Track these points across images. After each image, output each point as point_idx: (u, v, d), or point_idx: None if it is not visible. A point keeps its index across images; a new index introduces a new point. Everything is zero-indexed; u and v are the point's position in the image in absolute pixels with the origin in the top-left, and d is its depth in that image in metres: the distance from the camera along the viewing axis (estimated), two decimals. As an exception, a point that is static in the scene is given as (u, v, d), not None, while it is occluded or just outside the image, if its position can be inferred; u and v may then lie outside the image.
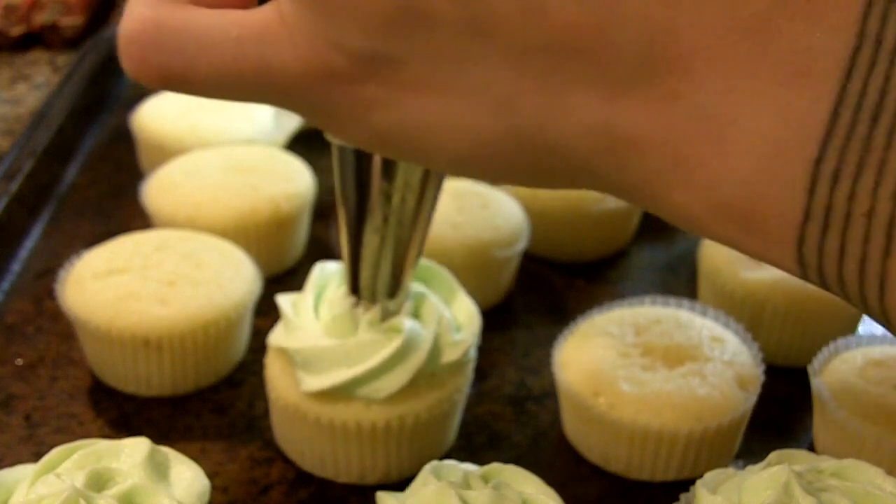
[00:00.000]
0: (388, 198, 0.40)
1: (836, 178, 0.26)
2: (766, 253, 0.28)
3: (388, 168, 0.39)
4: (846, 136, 0.25)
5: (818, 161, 0.26)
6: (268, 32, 0.30)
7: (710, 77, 0.27)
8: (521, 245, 0.60)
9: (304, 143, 0.73)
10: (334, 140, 0.38)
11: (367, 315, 0.45)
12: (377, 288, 0.44)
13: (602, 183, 0.31)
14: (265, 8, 0.31)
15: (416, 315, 0.47)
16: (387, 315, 0.45)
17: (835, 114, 0.26)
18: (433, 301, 0.47)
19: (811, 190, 0.26)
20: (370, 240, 0.42)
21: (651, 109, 0.28)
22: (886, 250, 0.26)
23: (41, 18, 0.92)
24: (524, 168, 0.31)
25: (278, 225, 0.61)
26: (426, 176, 0.40)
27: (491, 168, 0.32)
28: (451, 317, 0.48)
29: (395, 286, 0.44)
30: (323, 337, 0.46)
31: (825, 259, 0.27)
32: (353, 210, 0.41)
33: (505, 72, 0.29)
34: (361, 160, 0.39)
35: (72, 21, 0.93)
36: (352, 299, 0.45)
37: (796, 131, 0.26)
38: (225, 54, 0.30)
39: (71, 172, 0.74)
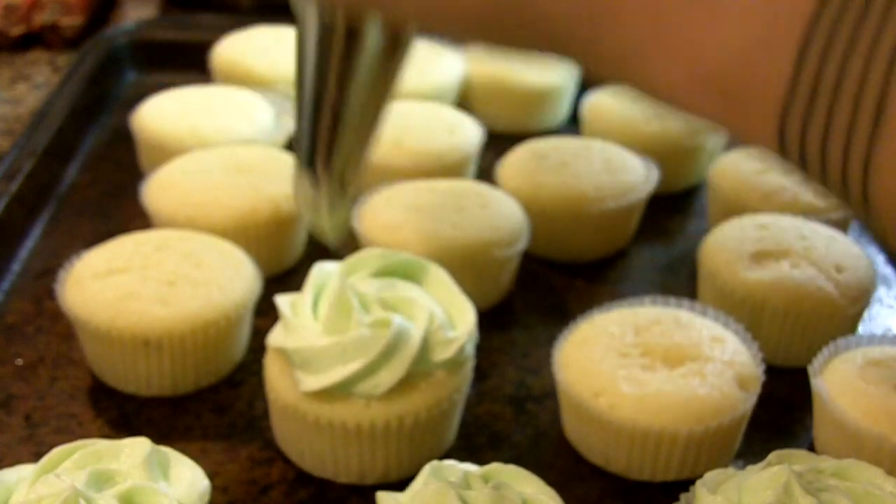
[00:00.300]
0: (351, 69, 0.39)
1: (826, 49, 0.25)
2: (746, 128, 0.28)
3: (352, 40, 0.38)
4: (841, 6, 0.25)
5: (809, 29, 0.25)
6: None
7: None
8: (521, 245, 0.60)
9: (304, 143, 0.73)
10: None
11: (322, 198, 0.43)
12: (335, 163, 0.42)
13: (580, 51, 0.30)
14: None
15: (405, 311, 0.47)
16: (338, 205, 0.43)
17: None
18: (422, 297, 0.47)
19: (799, 61, 0.26)
20: (331, 112, 0.40)
21: None
22: (874, 127, 0.25)
23: (41, 18, 0.92)
24: (508, 25, 0.31)
25: (278, 225, 0.61)
26: (392, 47, 0.39)
27: (467, 19, 0.31)
28: (444, 314, 0.48)
29: (353, 162, 0.43)
30: (320, 336, 0.46)
31: (807, 140, 0.26)
32: (317, 82, 0.40)
33: None
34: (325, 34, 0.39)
35: (72, 21, 0.93)
36: (308, 176, 0.43)
37: (790, 1, 0.25)
38: None
39: (71, 172, 0.74)
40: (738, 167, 0.67)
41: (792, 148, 0.27)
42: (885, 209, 0.26)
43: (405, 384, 0.46)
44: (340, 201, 0.43)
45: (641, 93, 0.29)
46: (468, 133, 0.72)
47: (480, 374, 0.53)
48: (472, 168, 0.72)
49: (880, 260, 0.67)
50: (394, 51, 0.39)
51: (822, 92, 0.26)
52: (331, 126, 0.41)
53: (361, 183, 0.44)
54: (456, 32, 0.34)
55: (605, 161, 0.66)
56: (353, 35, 0.38)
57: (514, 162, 0.67)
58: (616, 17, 0.28)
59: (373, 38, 0.38)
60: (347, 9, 0.35)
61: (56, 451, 0.38)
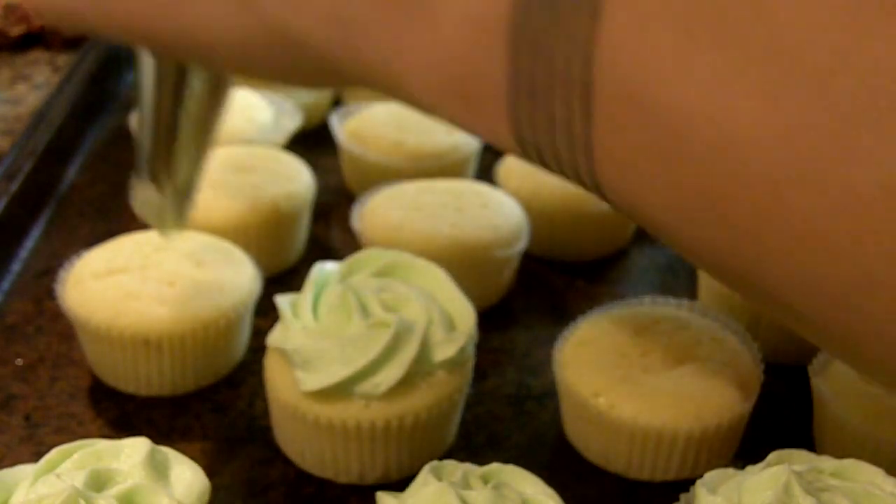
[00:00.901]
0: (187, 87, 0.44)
1: (534, 46, 0.26)
2: (489, 132, 0.29)
3: (181, 73, 0.43)
4: (538, 2, 0.26)
5: (515, 27, 0.26)
6: None
7: None
8: (521, 245, 0.60)
9: (304, 143, 0.73)
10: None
11: (164, 204, 0.47)
12: (173, 174, 0.46)
13: (349, 73, 0.32)
14: None
15: (405, 311, 0.47)
16: (177, 208, 0.47)
17: None
18: (422, 297, 0.47)
19: (514, 59, 0.27)
20: (181, 126, 0.45)
21: None
22: (587, 114, 0.26)
23: (41, 19, 0.92)
24: (281, 64, 0.34)
25: (278, 225, 0.61)
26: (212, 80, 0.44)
27: (255, 65, 0.35)
28: (444, 314, 0.48)
29: (189, 174, 0.47)
30: (320, 336, 0.46)
31: (538, 134, 0.28)
32: (154, 107, 0.44)
33: None
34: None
35: (72, 21, 0.93)
36: (149, 186, 0.47)
37: (494, 1, 0.27)
38: None
39: (71, 172, 0.74)
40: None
41: (528, 145, 0.28)
42: (612, 195, 0.28)
43: (405, 384, 0.46)
44: (179, 205, 0.47)
45: (407, 104, 0.31)
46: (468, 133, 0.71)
47: (480, 374, 0.53)
48: (472, 168, 0.72)
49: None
50: (218, 80, 0.44)
51: (538, 88, 0.27)
52: (168, 144, 0.45)
53: (196, 189, 0.48)
54: (254, 75, 0.37)
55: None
56: (181, 69, 0.43)
57: (514, 162, 0.67)
58: (365, 39, 0.30)
59: (198, 72, 0.43)
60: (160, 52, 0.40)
61: (56, 451, 0.38)
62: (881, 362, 0.27)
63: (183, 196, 0.47)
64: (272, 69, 0.35)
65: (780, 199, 0.25)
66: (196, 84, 0.44)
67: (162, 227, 0.49)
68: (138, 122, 0.46)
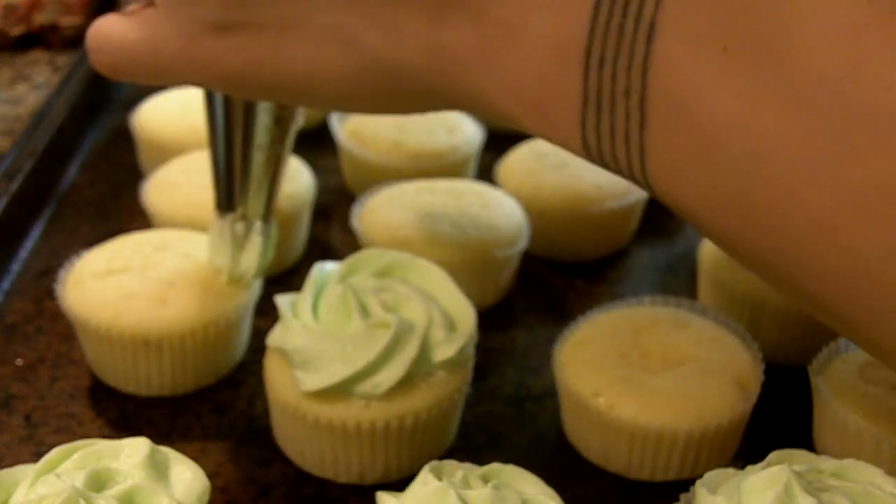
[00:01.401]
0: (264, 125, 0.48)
1: (601, 63, 0.31)
2: (561, 139, 0.34)
3: (249, 109, 0.47)
4: (605, 25, 0.31)
5: (588, 50, 0.31)
6: (153, 26, 0.39)
7: None
8: (521, 245, 0.60)
9: (304, 143, 0.73)
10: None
11: (252, 230, 0.51)
12: (253, 205, 0.50)
13: (446, 99, 0.36)
14: (149, 9, 0.39)
15: (405, 311, 0.47)
16: (261, 232, 0.51)
17: (596, 8, 0.31)
18: (422, 297, 0.47)
19: (585, 77, 0.31)
20: (252, 157, 0.49)
21: (465, 27, 0.33)
22: (642, 123, 0.31)
23: (41, 18, 0.92)
24: (382, 95, 0.37)
25: (278, 225, 0.61)
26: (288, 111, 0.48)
27: (356, 99, 0.38)
28: (444, 314, 0.48)
29: (269, 203, 0.51)
30: (320, 336, 0.46)
31: (601, 139, 0.32)
32: (229, 135, 0.48)
33: (345, 16, 0.35)
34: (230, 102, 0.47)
35: (72, 21, 0.93)
36: (230, 216, 0.50)
37: (571, 28, 0.31)
38: (131, 51, 0.40)
39: (71, 172, 0.74)
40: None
41: (592, 150, 0.33)
42: (661, 193, 0.33)
43: (405, 384, 0.46)
44: (261, 240, 0.51)
45: (490, 118, 0.36)
46: (468, 133, 0.72)
47: (480, 374, 0.53)
48: (472, 168, 0.72)
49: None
50: (283, 114, 0.48)
51: (604, 101, 0.32)
52: (241, 178, 0.49)
53: (268, 216, 0.51)
54: (355, 110, 0.42)
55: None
56: (250, 105, 0.47)
57: (514, 162, 0.67)
58: (461, 66, 0.34)
59: (265, 107, 0.47)
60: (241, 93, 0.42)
61: (56, 451, 0.38)
62: (881, 345, 0.31)
63: (258, 231, 0.51)
64: (373, 101, 0.38)
65: (796, 198, 0.29)
66: (263, 116, 0.47)
67: (240, 270, 0.52)
68: (212, 157, 0.49)
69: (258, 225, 0.51)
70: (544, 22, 0.32)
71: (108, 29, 0.40)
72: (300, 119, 0.69)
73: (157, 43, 0.39)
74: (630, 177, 0.33)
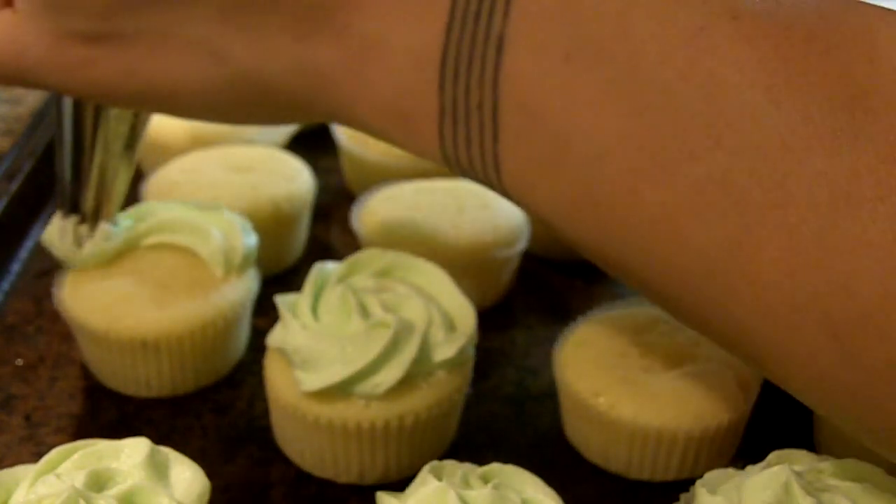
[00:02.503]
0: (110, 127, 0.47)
1: (455, 75, 0.32)
2: (423, 150, 0.35)
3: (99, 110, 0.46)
4: (458, 38, 0.32)
5: (443, 63, 0.32)
6: (15, 30, 0.38)
7: (370, 7, 0.33)
8: (521, 245, 0.60)
9: (304, 143, 0.73)
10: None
11: (95, 234, 0.51)
12: (101, 203, 0.50)
13: (315, 112, 0.37)
14: (7, 12, 0.38)
15: (405, 311, 0.47)
16: (93, 236, 0.51)
17: (449, 23, 0.32)
18: (422, 297, 0.47)
19: (441, 89, 0.32)
20: (93, 158, 0.48)
21: (330, 43, 0.34)
22: (495, 133, 0.32)
23: (41, 18, 0.92)
24: (252, 107, 0.38)
25: (278, 225, 0.61)
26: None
27: (226, 110, 0.38)
28: (444, 314, 0.48)
29: (115, 207, 0.51)
30: (320, 336, 0.46)
31: (458, 149, 0.33)
32: (78, 138, 0.47)
33: (214, 29, 0.35)
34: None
35: (72, 21, 0.93)
36: (73, 218, 0.50)
37: (427, 41, 0.32)
38: None
39: (71, 172, 0.74)
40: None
41: (451, 159, 0.34)
42: (517, 198, 0.34)
43: (405, 384, 0.45)
44: (92, 233, 0.51)
45: (358, 130, 0.37)
46: (468, 133, 0.71)
47: (480, 374, 0.53)
48: (472, 168, 0.72)
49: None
50: (136, 121, 0.47)
51: (459, 113, 0.32)
52: (88, 176, 0.48)
53: (114, 219, 0.52)
54: (226, 121, 0.41)
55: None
56: (100, 111, 0.46)
57: (514, 162, 0.67)
58: (329, 82, 0.35)
59: (119, 115, 0.46)
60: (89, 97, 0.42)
61: (56, 451, 0.38)
62: (725, 339, 0.32)
63: (96, 225, 0.51)
64: (242, 113, 0.39)
65: (637, 196, 0.30)
66: (113, 114, 0.46)
67: (72, 258, 0.52)
68: (59, 158, 0.48)
69: (104, 226, 0.51)
70: (404, 36, 0.33)
71: None
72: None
73: (19, 47, 0.38)
74: (487, 184, 0.34)
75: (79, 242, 0.51)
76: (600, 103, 0.30)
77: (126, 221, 0.54)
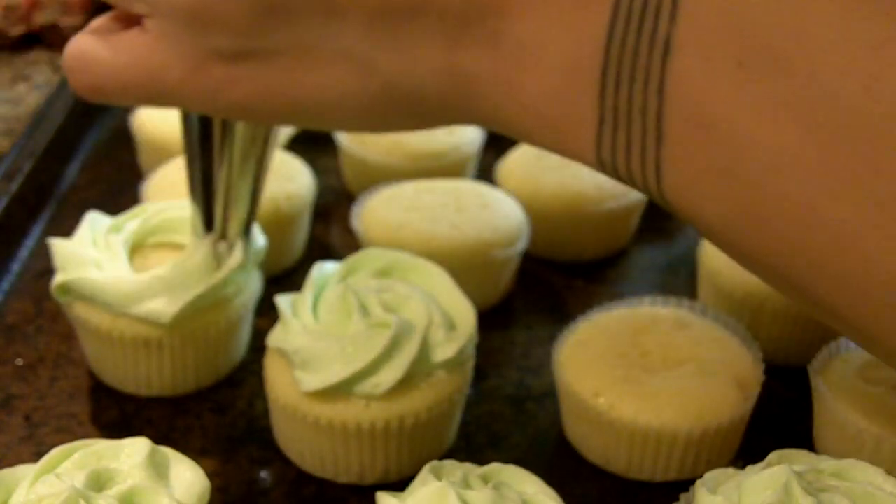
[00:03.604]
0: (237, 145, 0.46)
1: (617, 82, 0.31)
2: (576, 155, 0.34)
3: (226, 129, 0.46)
4: (621, 44, 0.31)
5: (604, 70, 0.31)
6: (146, 52, 0.37)
7: (523, 12, 0.32)
8: (521, 245, 0.60)
9: (304, 143, 0.73)
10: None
11: (231, 253, 0.50)
12: (232, 224, 0.50)
13: (465, 117, 0.37)
14: (136, 33, 0.37)
15: (405, 311, 0.47)
16: (239, 253, 0.50)
17: (611, 28, 0.31)
18: (422, 297, 0.47)
19: (602, 96, 0.32)
20: (225, 178, 0.47)
21: (481, 49, 0.34)
22: (658, 140, 0.31)
23: (41, 18, 0.92)
24: (398, 115, 0.37)
25: (278, 225, 0.61)
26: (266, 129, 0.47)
27: (373, 120, 0.38)
28: (444, 314, 0.48)
29: (249, 220, 0.50)
30: (320, 336, 0.46)
31: (617, 156, 0.33)
32: (207, 155, 0.47)
33: (361, 40, 0.34)
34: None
35: (72, 21, 0.93)
36: (210, 237, 0.50)
37: (587, 47, 0.32)
38: (121, 76, 0.38)
39: (71, 172, 0.74)
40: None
41: (608, 165, 0.34)
42: (677, 206, 0.33)
43: (405, 384, 0.46)
44: (232, 250, 0.50)
45: (504, 133, 0.37)
46: (468, 133, 0.72)
47: (480, 374, 0.53)
48: (472, 168, 0.72)
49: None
50: (263, 134, 0.46)
51: (620, 119, 0.32)
52: (223, 200, 0.48)
53: (248, 234, 0.51)
54: (371, 129, 0.42)
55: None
56: (226, 125, 0.45)
57: (514, 162, 0.67)
58: (477, 86, 0.34)
59: (241, 128, 0.45)
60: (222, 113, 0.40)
61: (56, 451, 0.38)
62: None
63: (236, 239, 0.50)
64: (389, 122, 0.38)
65: (816, 212, 0.29)
66: (241, 134, 0.45)
67: (216, 283, 0.50)
68: (189, 177, 0.48)
69: (240, 244, 0.50)
70: (560, 43, 0.32)
71: (91, 51, 0.38)
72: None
73: (155, 70, 0.37)
74: (645, 190, 0.34)
75: (219, 261, 0.50)
76: (776, 114, 0.29)
77: (261, 239, 0.53)
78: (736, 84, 0.29)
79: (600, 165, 0.34)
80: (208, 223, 0.49)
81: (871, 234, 0.28)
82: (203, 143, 0.46)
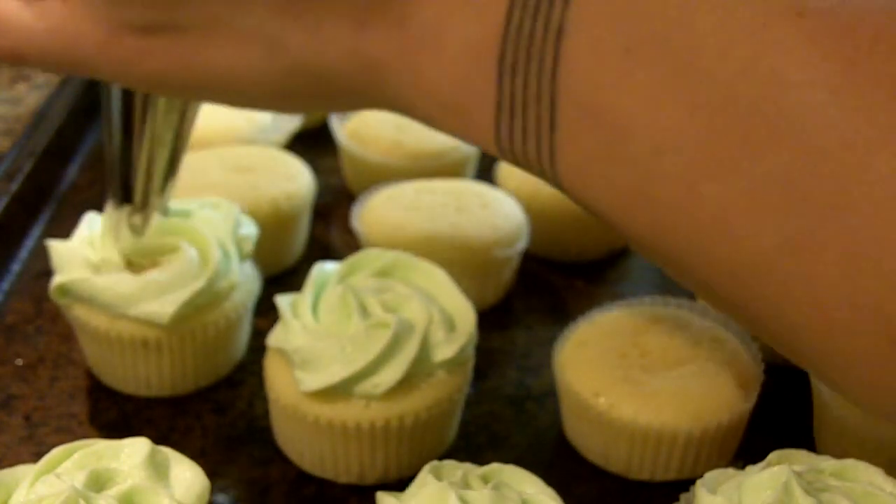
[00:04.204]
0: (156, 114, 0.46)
1: (514, 68, 0.32)
2: (477, 140, 0.35)
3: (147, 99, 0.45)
4: (517, 30, 0.31)
5: (501, 55, 0.32)
6: (65, 20, 0.37)
7: None
8: (521, 245, 0.60)
9: (304, 143, 0.73)
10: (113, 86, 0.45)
11: (145, 221, 0.50)
12: (150, 192, 0.49)
13: (370, 100, 0.37)
14: (58, 0, 0.38)
15: (405, 311, 0.47)
16: (145, 225, 0.50)
17: (509, 13, 0.31)
18: (422, 297, 0.47)
19: (500, 82, 0.32)
20: (147, 150, 0.47)
21: (388, 31, 0.34)
22: (552, 126, 0.32)
23: (41, 18, 0.92)
24: (307, 96, 0.38)
25: (278, 225, 0.61)
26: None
27: (281, 99, 0.38)
28: (444, 314, 0.48)
29: (165, 194, 0.50)
30: (320, 336, 0.46)
31: (514, 142, 0.34)
32: (127, 128, 0.46)
33: (270, 19, 0.35)
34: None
35: (72, 21, 0.93)
36: (126, 208, 0.49)
37: (486, 33, 0.32)
38: (39, 41, 0.38)
39: (71, 172, 0.74)
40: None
41: (506, 150, 0.34)
42: (571, 192, 0.34)
43: (405, 384, 0.46)
44: (147, 222, 0.50)
45: (409, 117, 0.37)
46: (468, 133, 0.71)
47: (480, 374, 0.53)
48: (472, 168, 0.72)
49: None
50: (187, 109, 0.47)
51: (517, 105, 0.32)
52: (137, 166, 0.48)
53: (164, 208, 0.51)
54: (279, 109, 0.42)
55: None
56: (147, 98, 0.45)
57: (514, 162, 0.67)
58: (384, 69, 0.35)
59: (161, 102, 0.45)
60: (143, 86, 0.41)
61: (56, 451, 0.38)
62: (780, 340, 0.32)
63: (148, 214, 0.50)
64: (296, 102, 0.39)
65: (694, 192, 0.30)
66: (161, 104, 0.45)
67: (123, 244, 0.51)
68: (108, 147, 0.48)
69: (155, 217, 0.50)
70: (462, 28, 0.33)
71: (14, 14, 0.38)
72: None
73: (71, 37, 0.37)
74: (542, 176, 0.34)
75: (136, 232, 0.50)
76: (660, 98, 0.30)
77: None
78: (622, 70, 0.30)
79: (500, 152, 0.34)
80: (126, 196, 0.49)
81: (745, 213, 0.29)
82: (124, 115, 0.46)
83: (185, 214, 0.54)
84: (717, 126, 0.29)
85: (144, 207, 0.50)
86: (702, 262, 0.31)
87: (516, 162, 0.35)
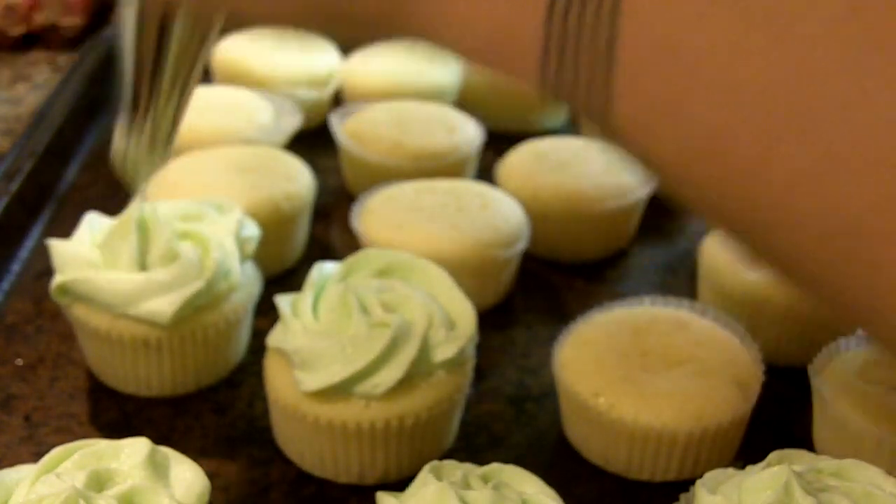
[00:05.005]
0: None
1: (566, 13, 0.30)
2: (519, 77, 0.33)
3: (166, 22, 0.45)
4: None
5: (550, 4, 0.30)
6: None
7: None
8: (521, 245, 0.60)
9: (304, 143, 0.73)
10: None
11: (140, 146, 0.49)
12: (160, 133, 0.49)
13: (395, 27, 0.36)
14: None
15: (405, 311, 0.47)
16: (151, 155, 0.50)
17: None
18: (422, 297, 0.47)
19: (547, 26, 0.31)
20: (168, 82, 0.47)
21: None
22: (608, 69, 0.30)
23: (41, 18, 0.92)
24: (329, 13, 0.37)
25: (278, 225, 0.61)
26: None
27: (302, 14, 0.38)
28: (444, 314, 0.48)
29: (173, 131, 0.49)
30: (320, 336, 0.46)
31: (561, 84, 0.32)
32: (137, 52, 0.46)
33: None
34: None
35: (72, 21, 0.93)
36: (129, 125, 0.49)
37: None
38: None
39: (71, 172, 0.74)
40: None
41: (550, 88, 0.32)
42: (626, 139, 0.31)
43: (405, 384, 0.46)
44: (154, 152, 0.49)
45: (440, 49, 0.35)
46: (468, 133, 0.72)
47: (480, 374, 0.53)
48: (472, 168, 0.72)
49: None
50: (202, 29, 0.46)
51: (568, 46, 0.31)
52: (149, 87, 0.47)
53: (174, 141, 0.50)
54: (300, 25, 0.40)
55: (605, 161, 0.66)
56: (166, 18, 0.44)
57: (514, 162, 0.67)
58: (416, 4, 0.34)
59: (182, 22, 0.45)
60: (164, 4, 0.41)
61: (56, 451, 0.38)
62: (856, 308, 0.29)
63: (156, 142, 0.49)
64: (318, 18, 0.38)
65: (776, 151, 0.27)
66: (178, 28, 0.45)
67: (134, 178, 0.51)
68: (122, 69, 0.47)
69: (161, 145, 0.50)
70: None
71: None
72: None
73: None
74: (589, 117, 0.32)
75: (152, 149, 0.49)
76: (745, 32, 0.27)
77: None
78: (698, 7, 0.28)
79: (543, 88, 0.33)
80: (132, 110, 0.49)
81: (833, 171, 0.27)
82: (139, 33, 0.46)
83: (189, 215, 0.54)
84: (806, 70, 0.27)
85: (153, 139, 0.49)
86: (780, 223, 0.29)
87: (563, 102, 0.33)
